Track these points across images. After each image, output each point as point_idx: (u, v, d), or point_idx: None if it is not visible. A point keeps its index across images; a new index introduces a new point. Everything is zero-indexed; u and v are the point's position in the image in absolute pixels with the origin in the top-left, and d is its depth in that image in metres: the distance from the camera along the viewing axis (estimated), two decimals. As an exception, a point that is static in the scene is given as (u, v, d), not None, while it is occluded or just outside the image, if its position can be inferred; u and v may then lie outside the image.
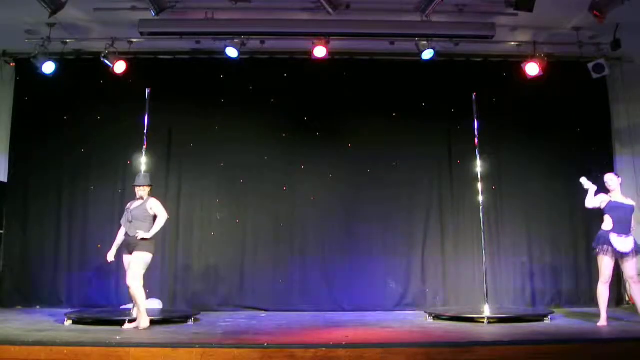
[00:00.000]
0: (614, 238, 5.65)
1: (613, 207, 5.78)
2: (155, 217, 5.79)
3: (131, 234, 5.65)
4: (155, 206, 5.83)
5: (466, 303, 7.35)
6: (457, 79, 7.85)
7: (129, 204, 5.95)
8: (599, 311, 5.73)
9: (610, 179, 5.90)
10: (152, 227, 5.72)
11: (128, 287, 5.60)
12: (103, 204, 7.66)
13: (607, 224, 5.75)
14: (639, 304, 5.70)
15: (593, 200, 5.89)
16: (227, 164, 7.86)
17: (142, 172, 6.25)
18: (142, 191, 5.86)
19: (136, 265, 5.56)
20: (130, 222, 5.69)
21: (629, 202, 5.85)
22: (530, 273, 7.67)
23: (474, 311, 6.47)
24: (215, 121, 7.92)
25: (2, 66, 8.00)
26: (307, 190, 7.83)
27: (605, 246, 5.68)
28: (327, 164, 7.89)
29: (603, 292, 5.71)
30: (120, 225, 5.89)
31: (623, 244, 5.65)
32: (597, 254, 5.75)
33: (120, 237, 5.84)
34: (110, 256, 5.80)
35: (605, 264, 5.68)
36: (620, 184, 5.92)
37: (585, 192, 5.94)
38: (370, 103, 7.95)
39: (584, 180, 5.94)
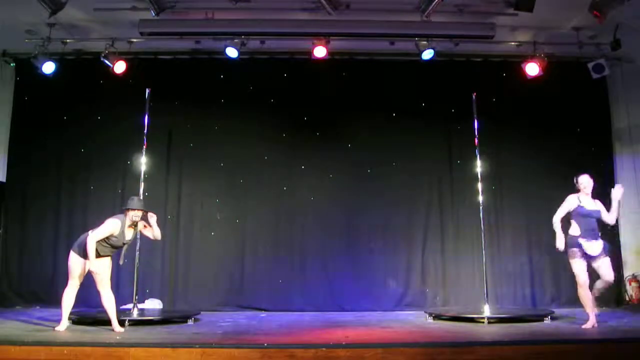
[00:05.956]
0: (583, 242, 5.51)
1: (582, 214, 5.59)
2: None
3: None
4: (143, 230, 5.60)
5: (466, 303, 7.35)
6: (457, 79, 7.85)
7: (118, 231, 5.32)
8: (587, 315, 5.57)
9: (587, 181, 5.64)
10: None
11: (101, 294, 5.43)
12: (103, 205, 7.61)
13: (575, 229, 5.59)
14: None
15: (561, 212, 5.63)
16: (227, 164, 7.87)
17: (137, 197, 5.69)
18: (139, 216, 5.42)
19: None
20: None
21: (597, 206, 5.64)
22: (530, 273, 7.67)
23: (474, 311, 6.46)
24: (215, 121, 7.93)
25: (2, 66, 8.01)
26: (307, 190, 7.83)
27: (574, 249, 5.54)
28: (327, 164, 7.89)
29: (585, 295, 5.54)
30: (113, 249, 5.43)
31: (591, 247, 5.50)
32: (569, 258, 5.58)
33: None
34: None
35: (579, 268, 5.53)
36: (593, 187, 5.68)
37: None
38: (370, 103, 7.95)
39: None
